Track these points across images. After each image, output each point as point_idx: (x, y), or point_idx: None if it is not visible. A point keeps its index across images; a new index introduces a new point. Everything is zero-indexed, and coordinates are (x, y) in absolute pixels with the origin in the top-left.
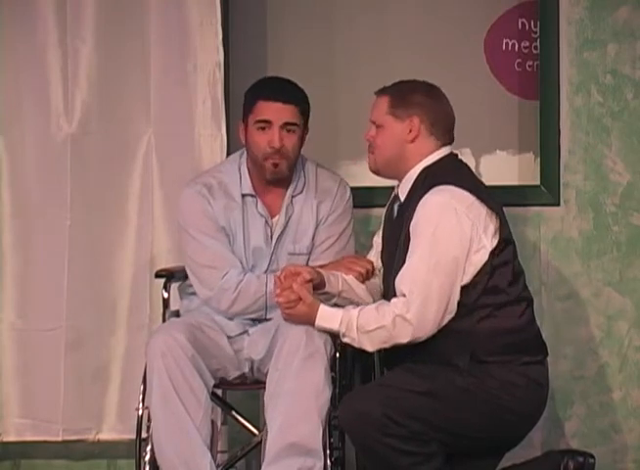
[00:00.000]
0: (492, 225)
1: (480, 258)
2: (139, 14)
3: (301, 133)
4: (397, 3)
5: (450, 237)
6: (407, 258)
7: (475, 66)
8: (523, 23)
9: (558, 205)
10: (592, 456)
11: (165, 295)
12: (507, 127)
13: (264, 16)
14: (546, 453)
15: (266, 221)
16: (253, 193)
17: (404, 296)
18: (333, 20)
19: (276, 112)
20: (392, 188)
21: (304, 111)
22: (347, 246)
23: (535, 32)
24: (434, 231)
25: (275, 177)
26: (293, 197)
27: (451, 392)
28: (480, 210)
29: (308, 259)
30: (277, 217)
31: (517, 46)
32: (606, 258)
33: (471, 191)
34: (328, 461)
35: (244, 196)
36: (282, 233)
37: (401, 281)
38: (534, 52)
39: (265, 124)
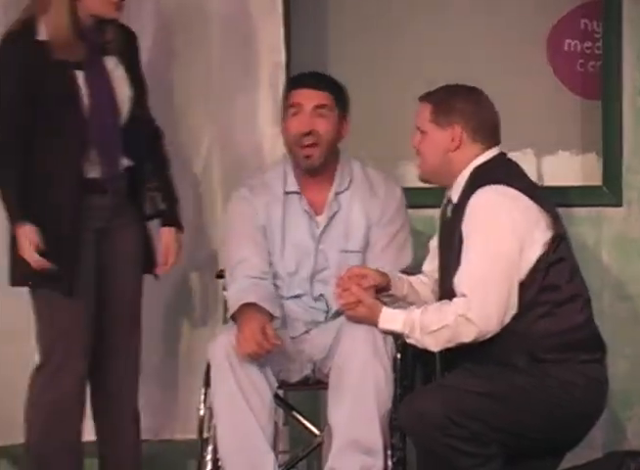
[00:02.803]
0: (543, 221)
1: (534, 252)
2: (202, 17)
3: (336, 120)
4: (459, 3)
5: (503, 233)
6: (462, 258)
7: (537, 66)
8: (585, 24)
9: (620, 205)
10: None
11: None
12: (569, 128)
13: (326, 16)
14: (607, 455)
15: (310, 218)
16: (298, 190)
17: (464, 295)
18: (394, 19)
19: (306, 96)
20: (445, 189)
21: (338, 98)
22: (405, 247)
23: (598, 33)
24: (486, 229)
25: (309, 166)
26: (337, 194)
27: (510, 392)
28: (529, 205)
29: (363, 258)
30: (322, 214)
31: (579, 47)
32: None
33: (519, 189)
34: (389, 461)
35: (287, 193)
36: (328, 230)
37: (460, 281)
38: (597, 52)
39: (297, 109)
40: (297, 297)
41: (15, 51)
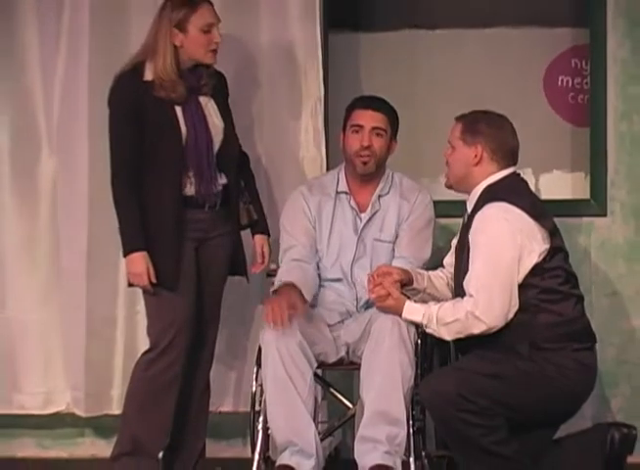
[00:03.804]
0: (539, 234)
1: (531, 260)
2: (257, 60)
3: (389, 140)
4: (469, 48)
5: (504, 242)
6: (470, 264)
7: (535, 99)
8: (575, 63)
9: (605, 215)
10: (635, 428)
11: (273, 288)
12: (562, 150)
13: (358, 58)
14: (595, 426)
15: (356, 214)
16: (347, 191)
17: (472, 296)
18: (416, 57)
19: (367, 117)
20: (465, 202)
21: (392, 121)
22: (427, 243)
23: (586, 70)
24: (490, 239)
25: (364, 172)
26: (380, 196)
27: (514, 374)
28: (527, 221)
29: (393, 248)
30: (366, 212)
31: (570, 82)
32: None
33: (520, 207)
34: (411, 430)
35: (339, 193)
36: (368, 224)
37: (468, 284)
38: (585, 87)
39: (358, 128)
40: (337, 280)
41: (124, 89)
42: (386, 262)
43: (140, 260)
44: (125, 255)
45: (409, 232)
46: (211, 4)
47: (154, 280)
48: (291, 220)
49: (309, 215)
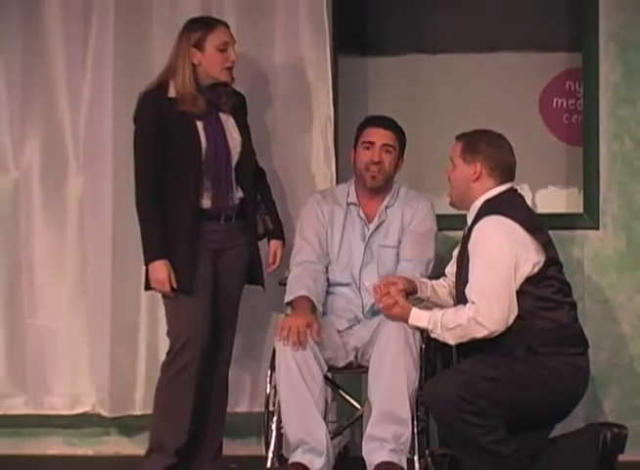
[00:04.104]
0: (533, 246)
1: (526, 269)
2: (272, 82)
3: (397, 156)
4: (470, 68)
5: (501, 251)
6: (470, 273)
7: (531, 119)
8: (569, 85)
9: (598, 229)
10: (626, 428)
11: (287, 299)
12: (557, 167)
13: (365, 80)
14: (588, 426)
15: (364, 224)
16: (357, 202)
17: (473, 303)
18: (420, 80)
19: (379, 135)
20: (465, 216)
21: (400, 139)
22: (429, 246)
23: (580, 93)
24: (488, 249)
25: (373, 186)
26: (386, 208)
27: (511, 377)
28: (521, 233)
29: (397, 252)
30: (373, 222)
31: (565, 104)
32: (636, 271)
33: (516, 220)
34: (415, 430)
35: (349, 204)
36: (374, 233)
37: (470, 292)
38: (579, 108)
39: (370, 144)
40: (347, 285)
41: (150, 104)
42: (391, 267)
43: (162, 268)
44: (148, 262)
45: (411, 237)
46: (227, 26)
47: (175, 286)
48: (304, 224)
49: (322, 221)
